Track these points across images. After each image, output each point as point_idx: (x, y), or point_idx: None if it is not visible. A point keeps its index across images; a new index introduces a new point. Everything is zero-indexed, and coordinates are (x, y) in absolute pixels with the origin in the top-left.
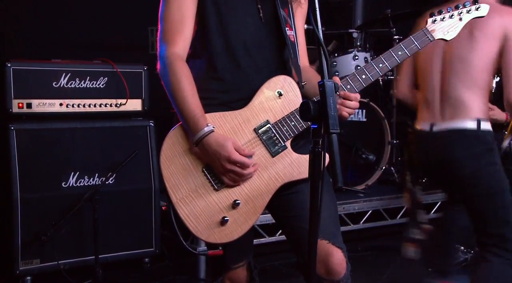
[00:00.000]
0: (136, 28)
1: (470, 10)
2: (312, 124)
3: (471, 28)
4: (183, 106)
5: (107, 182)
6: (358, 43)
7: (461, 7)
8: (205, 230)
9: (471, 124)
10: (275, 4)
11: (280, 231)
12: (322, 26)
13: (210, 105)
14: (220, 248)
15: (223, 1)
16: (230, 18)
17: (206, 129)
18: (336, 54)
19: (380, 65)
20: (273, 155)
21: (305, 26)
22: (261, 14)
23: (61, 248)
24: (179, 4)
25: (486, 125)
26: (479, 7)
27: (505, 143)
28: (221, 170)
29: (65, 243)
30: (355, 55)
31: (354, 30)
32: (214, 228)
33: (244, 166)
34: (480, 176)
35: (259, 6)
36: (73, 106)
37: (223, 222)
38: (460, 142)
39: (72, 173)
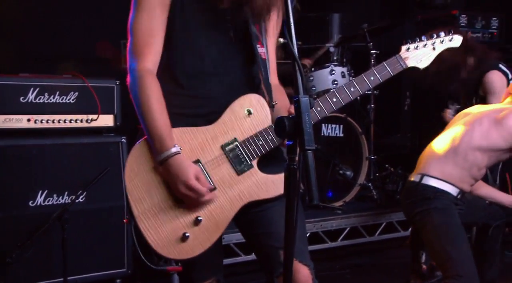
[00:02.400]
0: (107, 39)
1: (443, 40)
2: (287, 141)
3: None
4: (151, 123)
5: (77, 200)
6: (335, 58)
7: (435, 36)
8: (166, 245)
9: (417, 178)
10: (247, 21)
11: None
12: (298, 41)
13: (177, 120)
14: (180, 264)
15: (193, 16)
16: (198, 32)
17: (173, 150)
18: (312, 69)
19: (352, 89)
20: (239, 173)
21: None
22: (230, 28)
23: (28, 270)
24: (149, 17)
25: (431, 182)
26: (452, 38)
27: None
28: (178, 193)
29: (32, 264)
30: (332, 70)
31: (331, 45)
32: (174, 244)
33: (199, 194)
34: (416, 220)
35: (229, 25)
36: (41, 122)
37: (184, 238)
38: (405, 192)
39: (40, 191)
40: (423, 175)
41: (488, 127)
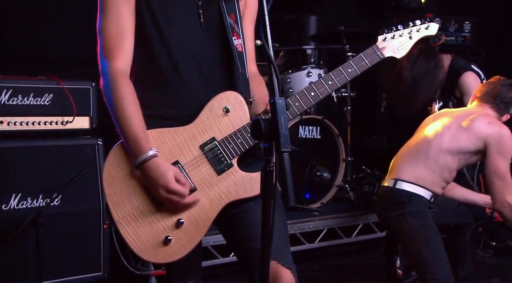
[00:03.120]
0: (83, 42)
1: (419, 29)
2: (264, 143)
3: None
4: (126, 127)
5: (52, 204)
6: (312, 60)
7: (411, 25)
8: (148, 249)
9: (390, 183)
10: (220, 11)
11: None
12: (274, 43)
13: (154, 121)
14: (163, 268)
15: (161, 10)
16: (169, 28)
17: (150, 153)
18: (290, 71)
19: (330, 82)
20: (219, 172)
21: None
22: (202, 20)
23: (1, 275)
24: (117, 17)
25: (405, 186)
26: (428, 26)
27: None
28: (158, 197)
29: (6, 269)
30: (309, 72)
31: (308, 47)
32: (157, 248)
33: (181, 196)
34: (392, 225)
35: (200, 11)
36: (15, 124)
37: (166, 241)
38: (380, 197)
39: (14, 195)
40: (396, 180)
41: (456, 131)
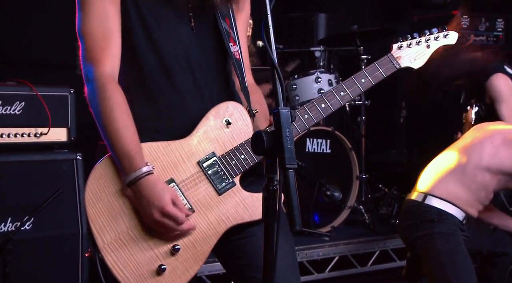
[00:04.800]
0: (59, 44)
1: (438, 37)
2: (266, 159)
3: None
4: (116, 140)
5: (22, 228)
6: (321, 63)
7: (428, 33)
8: (138, 280)
9: (419, 197)
10: (214, 14)
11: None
12: (278, 44)
13: (144, 135)
14: None
15: (149, 11)
16: (158, 29)
17: (144, 170)
18: (296, 76)
19: (342, 93)
20: (220, 192)
21: (260, 43)
22: (193, 24)
23: None
24: (100, 16)
25: (435, 203)
26: (447, 34)
27: None
28: (150, 220)
29: None
30: (318, 77)
31: (316, 48)
32: (148, 279)
33: (177, 222)
34: (417, 245)
35: (191, 14)
36: None
37: (160, 271)
38: (405, 212)
39: None
40: (426, 194)
41: (499, 147)
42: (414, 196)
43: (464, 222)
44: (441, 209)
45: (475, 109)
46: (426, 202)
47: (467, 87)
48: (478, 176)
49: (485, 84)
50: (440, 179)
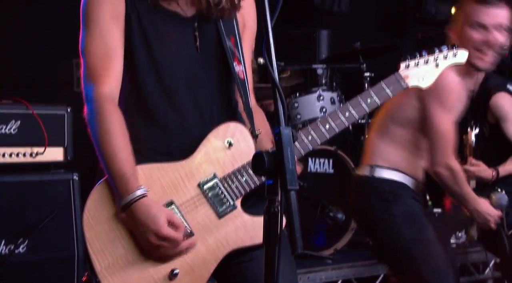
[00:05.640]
0: (57, 61)
1: (447, 56)
2: (267, 180)
3: None
4: (111, 161)
5: (17, 251)
6: (323, 81)
7: (437, 52)
8: None
9: (366, 171)
10: (219, 32)
11: None
12: (279, 61)
13: (144, 156)
14: None
15: (153, 29)
16: (161, 50)
17: (138, 193)
18: (297, 94)
19: (347, 114)
20: (220, 215)
21: (261, 60)
22: (198, 44)
23: None
24: (104, 35)
25: (384, 173)
26: (456, 53)
27: None
28: (147, 245)
29: None
30: (320, 95)
31: (318, 66)
32: None
33: (175, 243)
34: (376, 230)
35: (196, 33)
36: None
37: None
38: (355, 190)
39: None
40: (373, 166)
41: (401, 97)
42: (361, 170)
43: (415, 189)
44: (392, 180)
45: (476, 131)
46: (376, 174)
47: (469, 106)
48: (393, 131)
49: (488, 103)
50: (376, 147)
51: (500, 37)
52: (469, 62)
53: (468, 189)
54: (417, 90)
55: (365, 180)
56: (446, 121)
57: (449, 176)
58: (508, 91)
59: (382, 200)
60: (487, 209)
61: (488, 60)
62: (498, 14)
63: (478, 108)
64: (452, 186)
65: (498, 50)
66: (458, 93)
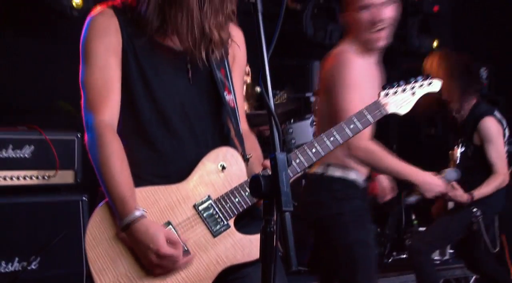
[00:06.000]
0: (67, 90)
1: (422, 85)
2: (264, 201)
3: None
4: (111, 185)
5: (29, 267)
6: (316, 108)
7: (413, 81)
8: None
9: (319, 169)
10: (210, 65)
11: None
12: (275, 90)
13: (143, 179)
14: None
15: (148, 62)
16: (156, 80)
17: (136, 214)
18: (292, 121)
19: (331, 138)
20: (215, 234)
21: (258, 89)
22: (190, 75)
23: None
24: (101, 67)
25: (336, 172)
26: (431, 83)
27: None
28: (147, 263)
29: None
30: (313, 121)
31: (311, 94)
32: None
33: (175, 260)
34: (322, 227)
35: (189, 66)
36: None
37: None
38: (307, 186)
39: None
40: (326, 165)
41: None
42: (315, 168)
43: (363, 191)
44: (344, 178)
45: (461, 149)
46: (329, 173)
47: (459, 126)
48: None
49: (477, 125)
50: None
51: (387, 12)
52: (368, 46)
53: (396, 163)
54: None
55: (318, 177)
56: (352, 100)
57: (367, 157)
58: (495, 117)
59: (333, 198)
60: (430, 178)
61: (383, 37)
62: None
63: (467, 130)
64: (377, 164)
65: (389, 24)
66: (359, 71)
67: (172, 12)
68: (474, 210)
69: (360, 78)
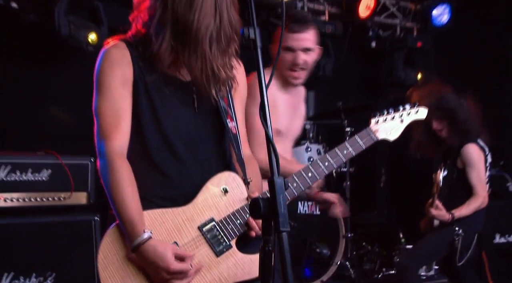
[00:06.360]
0: (81, 118)
1: (410, 113)
2: (262, 222)
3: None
4: (121, 209)
5: None
6: (311, 135)
7: (401, 109)
8: None
9: None
10: (214, 95)
11: None
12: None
13: (152, 202)
14: None
15: (156, 92)
16: (164, 110)
17: (145, 236)
18: None
19: (326, 163)
20: (218, 254)
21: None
22: (196, 105)
23: None
24: (113, 97)
25: None
26: (418, 111)
27: None
28: (159, 280)
29: None
30: (308, 147)
31: (306, 122)
32: None
33: (186, 274)
34: None
35: (194, 96)
36: (12, 200)
37: None
38: None
39: (6, 274)
40: None
41: None
42: None
43: None
44: None
45: (444, 173)
46: None
47: (446, 150)
48: None
49: (460, 149)
50: None
51: (307, 58)
52: (286, 80)
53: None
54: None
55: None
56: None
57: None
58: (478, 144)
59: None
60: None
61: (299, 77)
62: (303, 38)
63: (451, 155)
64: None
65: (307, 68)
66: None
67: (186, 54)
68: (457, 228)
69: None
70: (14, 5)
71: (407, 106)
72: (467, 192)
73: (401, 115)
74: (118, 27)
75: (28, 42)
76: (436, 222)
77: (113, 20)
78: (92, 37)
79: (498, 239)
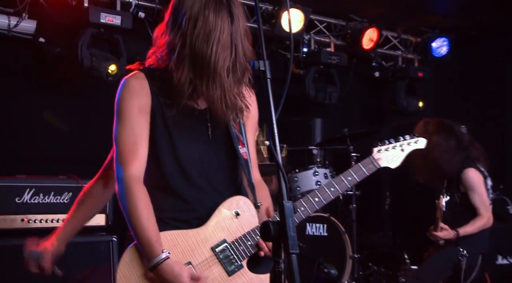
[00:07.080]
0: (101, 143)
1: (410, 143)
2: (273, 244)
3: None
4: (139, 231)
5: None
6: (318, 160)
7: (401, 139)
8: None
9: None
10: (227, 123)
11: None
12: (282, 144)
13: (167, 223)
14: None
15: (173, 120)
16: (179, 137)
17: (163, 256)
18: (297, 170)
19: (332, 189)
20: (230, 273)
21: (267, 142)
22: (210, 132)
23: None
24: (132, 125)
25: None
26: (417, 141)
27: None
28: None
29: None
30: (315, 171)
31: (314, 147)
32: None
33: None
34: None
35: (209, 124)
36: (35, 222)
37: None
38: None
39: None
40: None
41: None
42: None
43: None
44: None
45: (446, 198)
46: None
47: (446, 177)
48: None
49: (460, 175)
50: None
51: None
52: None
53: None
54: None
55: None
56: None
57: None
58: (477, 168)
59: None
60: None
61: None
62: None
63: (453, 180)
64: None
65: None
66: None
67: (204, 85)
68: (461, 249)
69: None
70: (41, 39)
71: (408, 137)
72: (471, 213)
73: (402, 145)
74: (136, 58)
75: (53, 73)
76: (441, 241)
77: (131, 52)
78: (112, 68)
79: (500, 261)
